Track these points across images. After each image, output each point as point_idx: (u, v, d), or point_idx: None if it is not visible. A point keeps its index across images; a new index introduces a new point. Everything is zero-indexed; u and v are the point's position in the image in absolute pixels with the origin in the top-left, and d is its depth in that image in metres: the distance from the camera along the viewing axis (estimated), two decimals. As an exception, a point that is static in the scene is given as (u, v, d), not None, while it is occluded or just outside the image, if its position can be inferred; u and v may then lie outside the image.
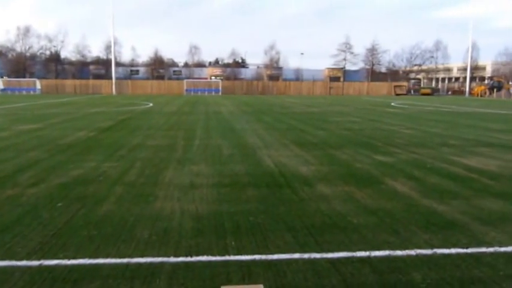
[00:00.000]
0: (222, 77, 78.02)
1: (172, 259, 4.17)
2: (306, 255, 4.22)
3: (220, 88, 68.26)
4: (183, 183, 7.23)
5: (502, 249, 4.48)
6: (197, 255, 4.25)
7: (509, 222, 5.35)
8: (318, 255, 4.23)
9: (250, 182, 7.34)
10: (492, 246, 4.56)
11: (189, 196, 6.44)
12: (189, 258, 4.17)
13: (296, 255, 4.23)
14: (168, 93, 67.73)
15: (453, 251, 4.42)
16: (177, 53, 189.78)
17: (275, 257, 4.20)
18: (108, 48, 76.59)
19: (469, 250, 4.44)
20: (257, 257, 4.19)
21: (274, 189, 6.85)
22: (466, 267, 4.05)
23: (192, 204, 6.00)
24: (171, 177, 7.68)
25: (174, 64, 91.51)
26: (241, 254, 4.25)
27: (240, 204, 6.00)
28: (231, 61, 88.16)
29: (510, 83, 69.43)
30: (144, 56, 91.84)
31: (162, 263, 4.07)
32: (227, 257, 4.19)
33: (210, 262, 4.10)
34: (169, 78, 79.33)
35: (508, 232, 4.97)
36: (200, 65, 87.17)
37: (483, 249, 4.47)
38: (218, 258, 4.18)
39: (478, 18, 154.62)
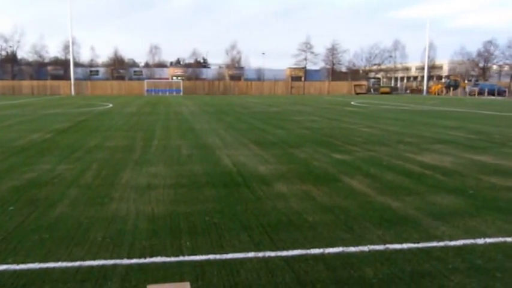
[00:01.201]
0: (183, 77, 77.43)
1: (126, 261, 4.09)
2: (260, 254, 4.23)
3: (181, 88, 67.70)
4: (140, 185, 7.13)
5: (452, 243, 4.62)
6: (151, 256, 4.19)
7: (459, 216, 5.51)
8: (272, 254, 4.25)
9: (208, 182, 7.31)
10: (442, 240, 4.68)
11: (146, 197, 6.35)
12: (142, 260, 4.11)
13: (251, 254, 4.23)
14: (129, 93, 66.64)
15: (405, 246, 4.52)
16: (137, 53, 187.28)
17: (229, 256, 4.19)
18: (66, 48, 74.55)
19: (420, 245, 4.55)
20: (211, 256, 4.17)
21: (232, 189, 6.84)
22: (416, 261, 4.15)
23: (148, 206, 5.92)
24: (128, 179, 7.56)
25: (134, 64, 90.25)
26: (195, 254, 4.22)
27: (197, 205, 5.96)
28: (192, 61, 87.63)
29: (466, 81, 71.79)
30: (103, 56, 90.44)
31: (114, 265, 4.00)
32: (181, 258, 4.15)
33: (164, 263, 4.05)
34: (130, 79, 78.13)
35: (458, 226, 5.13)
36: (161, 65, 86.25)
37: (434, 244, 4.58)
38: (172, 259, 4.14)
39: (434, 18, 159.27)
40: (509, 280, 3.74)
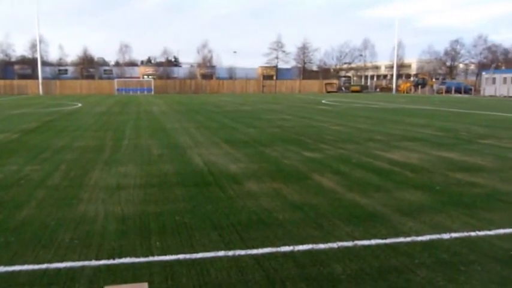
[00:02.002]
0: (154, 76, 76.60)
1: (94, 262, 4.04)
2: (230, 253, 4.24)
3: (152, 87, 67.02)
4: (109, 185, 7.03)
5: (419, 238, 4.71)
6: (120, 257, 4.14)
7: (426, 212, 5.63)
8: (242, 252, 4.26)
9: (179, 182, 7.27)
10: (409, 236, 4.78)
11: (115, 198, 6.27)
12: (111, 261, 4.06)
13: (221, 253, 4.23)
14: (99, 93, 65.59)
15: (373, 242, 4.59)
16: (107, 52, 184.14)
17: (199, 255, 4.17)
18: (33, 47, 72.63)
19: (388, 240, 4.63)
20: (181, 256, 4.15)
21: (203, 188, 6.82)
22: (384, 257, 4.22)
23: (118, 206, 5.85)
24: (97, 179, 7.44)
25: (104, 63, 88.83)
26: (165, 254, 4.19)
27: (167, 204, 5.92)
28: (163, 60, 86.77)
29: (433, 80, 73.37)
30: (72, 55, 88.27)
31: (82, 267, 3.93)
32: (151, 258, 4.12)
33: (133, 264, 4.01)
34: (100, 78, 76.80)
35: (424, 222, 5.24)
36: (132, 64, 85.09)
37: (401, 239, 4.67)
38: (142, 259, 4.10)
39: (403, 17, 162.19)
40: (472, 273, 3.84)
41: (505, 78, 54.76)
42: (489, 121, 19.20)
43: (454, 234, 4.81)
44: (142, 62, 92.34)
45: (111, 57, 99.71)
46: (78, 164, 8.86)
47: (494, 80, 56.37)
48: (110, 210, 5.65)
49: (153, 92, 65.76)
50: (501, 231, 4.94)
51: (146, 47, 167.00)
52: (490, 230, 4.96)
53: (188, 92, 68.47)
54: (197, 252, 4.26)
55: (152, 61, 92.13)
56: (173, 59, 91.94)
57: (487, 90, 56.81)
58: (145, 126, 16.72)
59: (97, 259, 4.11)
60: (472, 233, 4.85)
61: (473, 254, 4.27)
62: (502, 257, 4.21)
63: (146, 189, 6.77)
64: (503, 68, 69.62)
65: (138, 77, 76.71)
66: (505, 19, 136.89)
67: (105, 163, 8.92)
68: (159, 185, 7.01)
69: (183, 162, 8.99)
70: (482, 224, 5.16)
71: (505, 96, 51.62)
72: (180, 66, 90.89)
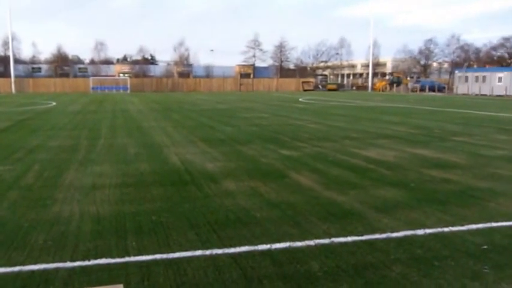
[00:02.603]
0: (130, 74, 75.77)
1: (69, 264, 3.97)
2: (207, 252, 4.23)
3: (128, 86, 66.24)
4: (85, 185, 6.93)
5: (394, 234, 4.78)
6: (95, 258, 4.09)
7: (401, 209, 5.72)
8: (219, 251, 4.25)
9: (156, 181, 7.21)
10: (385, 232, 4.84)
11: (90, 198, 6.19)
12: (86, 262, 4.00)
13: (198, 252, 4.21)
14: (74, 91, 64.49)
15: (349, 239, 4.64)
16: (82, 50, 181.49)
17: (176, 255, 4.15)
18: (5, 44, 70.86)
19: (364, 237, 4.69)
20: (158, 256, 4.12)
21: (180, 187, 6.78)
22: (360, 253, 4.27)
23: (93, 206, 5.77)
24: (71, 179, 7.33)
25: (79, 61, 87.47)
26: (142, 255, 4.16)
27: (144, 204, 5.87)
28: (139, 58, 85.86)
29: (408, 78, 74.45)
30: (46, 52, 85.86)
31: (56, 269, 3.87)
32: (127, 258, 4.08)
33: (108, 265, 3.96)
34: (75, 76, 75.60)
35: (399, 218, 5.32)
36: (107, 62, 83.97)
37: (377, 236, 4.73)
38: (118, 260, 4.05)
39: (378, 17, 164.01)
40: (446, 268, 3.92)
41: (477, 77, 55.95)
42: (462, 119, 19.59)
43: (428, 230, 4.89)
44: (118, 60, 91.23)
45: (86, 55, 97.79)
46: (53, 163, 8.71)
47: (466, 79, 57.53)
48: (85, 211, 5.57)
49: (129, 91, 65.01)
50: (473, 226, 5.04)
51: (122, 45, 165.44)
52: (462, 225, 5.06)
53: (165, 91, 67.93)
54: (174, 251, 4.23)
55: (128, 59, 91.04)
56: (150, 57, 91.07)
57: (460, 88, 57.92)
58: (121, 125, 16.52)
59: (72, 260, 4.04)
60: (446, 229, 4.94)
61: (446, 250, 4.35)
62: (474, 251, 4.30)
63: (122, 188, 6.69)
64: (475, 66, 71.13)
65: (114, 75, 75.77)
66: (476, 19, 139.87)
67: (80, 163, 8.79)
68: (136, 185, 6.94)
69: (160, 161, 8.93)
70: (455, 219, 5.27)
71: (476, 95, 52.72)
72: (157, 64, 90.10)
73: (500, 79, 52.62)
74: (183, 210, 5.57)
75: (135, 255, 4.16)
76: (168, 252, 4.21)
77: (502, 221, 5.22)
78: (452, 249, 4.35)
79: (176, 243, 4.46)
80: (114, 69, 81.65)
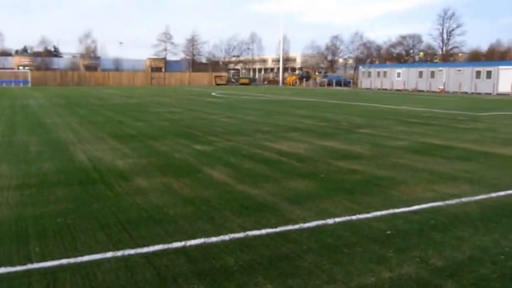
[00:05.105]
0: (31, 67, 71.02)
1: (-38, 276, 3.62)
2: (119, 253, 4.05)
3: (29, 79, 62.04)
4: (-20, 188, 6.36)
5: (306, 225, 4.91)
6: (-7, 267, 3.76)
7: (312, 199, 5.89)
8: (132, 251, 4.10)
9: (61, 181, 6.80)
10: (297, 223, 4.96)
11: (-14, 201, 5.69)
12: (-18, 273, 3.67)
13: (109, 254, 4.03)
14: (-34, 85, 59.27)
15: (263, 231, 4.69)
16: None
17: (85, 258, 3.93)
18: None
19: (278, 229, 4.76)
20: (65, 261, 3.87)
21: (88, 186, 6.45)
22: (274, 245, 4.33)
23: (-10, 211, 5.31)
24: (-36, 182, 6.70)
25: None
26: (46, 260, 3.88)
27: (48, 206, 5.50)
28: (41, 50, 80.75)
29: (317, 73, 77.18)
30: None
31: None
32: (29, 266, 3.79)
33: (9, 274, 3.65)
34: (-33, 69, 69.46)
35: (311, 209, 5.47)
36: (5, 53, 78.14)
37: (289, 227, 4.83)
38: (19, 268, 3.75)
39: (288, 13, 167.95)
40: (354, 254, 4.09)
41: (378, 72, 59.44)
42: (366, 111, 20.67)
43: (338, 219, 5.08)
44: (17, 52, 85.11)
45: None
46: None
47: (369, 74, 60.92)
48: (-20, 216, 5.11)
49: (30, 84, 60.90)
50: (378, 213, 5.33)
51: (21, 35, 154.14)
52: (368, 213, 5.33)
53: (70, 85, 64.47)
54: (82, 255, 4.00)
55: (29, 51, 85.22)
56: (53, 49, 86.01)
57: (364, 83, 61.18)
58: (22, 121, 15.42)
59: (-35, 271, 3.69)
60: (353, 217, 5.17)
61: (354, 237, 4.55)
62: (379, 237, 4.54)
63: (23, 190, 6.22)
64: (377, 62, 75.49)
65: (13, 68, 70.55)
66: (378, 18, 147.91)
67: (-26, 163, 8.07)
68: (38, 185, 6.48)
69: (66, 160, 8.44)
70: (361, 208, 5.53)
71: (379, 89, 55.99)
72: (61, 56, 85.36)
73: (399, 74, 56.35)
74: (91, 211, 5.30)
75: (38, 261, 3.88)
76: (75, 256, 3.97)
77: (403, 207, 5.57)
78: (359, 236, 4.56)
79: (84, 245, 4.23)
80: (13, 61, 76.08)
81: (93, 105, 23.69)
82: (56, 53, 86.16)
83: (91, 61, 79.46)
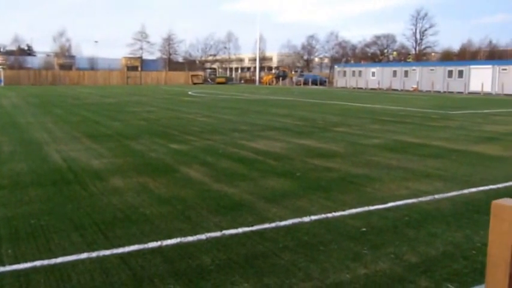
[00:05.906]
0: (4, 66, 69.39)
1: None
2: (94, 254, 4.01)
3: (2, 78, 60.67)
4: (-51, 189, 6.21)
5: (282, 223, 4.94)
6: (-37, 271, 3.68)
7: (288, 198, 5.93)
8: (107, 252, 4.06)
9: (34, 181, 6.69)
10: (274, 221, 4.98)
11: (-44, 203, 5.56)
12: (-48, 277, 3.59)
13: (83, 255, 3.98)
14: None
15: (240, 230, 4.70)
16: None
17: (59, 260, 3.88)
18: None
19: (254, 228, 4.78)
20: (38, 263, 3.81)
21: (62, 187, 6.36)
22: (251, 244, 4.35)
23: (-40, 213, 5.19)
24: None
25: None
26: (19, 263, 3.82)
27: (20, 207, 5.40)
28: (14, 48, 78.99)
29: (293, 72, 77.57)
30: None
31: None
32: (1, 269, 3.71)
33: (-20, 277, 3.59)
34: None
35: (287, 207, 5.51)
36: (-25, 52, 76.17)
37: (266, 226, 4.86)
38: (-10, 271, 3.69)
39: (264, 12, 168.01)
40: (330, 252, 4.14)
41: (353, 72, 60.09)
42: (341, 110, 20.88)
43: (314, 217, 5.13)
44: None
45: None
46: None
47: (345, 73, 61.51)
48: (-50, 218, 4.99)
49: (2, 84, 59.57)
50: (353, 210, 5.40)
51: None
52: (344, 210, 5.39)
53: (45, 84, 63.30)
54: (56, 256, 3.95)
55: (1, 49, 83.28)
56: (26, 48, 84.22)
57: (339, 82, 61.74)
58: (-7, 121, 15.09)
59: None
60: (329, 215, 5.23)
61: (330, 234, 4.60)
62: (354, 234, 4.61)
63: (-5, 191, 6.11)
64: (352, 62, 76.19)
65: (-16, 67, 68.93)
66: (353, 18, 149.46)
67: None
68: (11, 186, 6.36)
69: (39, 160, 8.30)
70: (337, 205, 5.59)
71: (354, 88, 56.55)
72: (35, 55, 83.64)
73: (373, 74, 57.08)
74: (65, 211, 5.23)
75: (11, 263, 3.81)
76: (49, 258, 3.91)
77: (377, 204, 5.65)
78: (335, 234, 4.61)
79: (59, 247, 4.18)
80: (-16, 60, 74.25)
81: (68, 104, 23.33)
82: (29, 52, 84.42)
83: (66, 60, 78.08)
